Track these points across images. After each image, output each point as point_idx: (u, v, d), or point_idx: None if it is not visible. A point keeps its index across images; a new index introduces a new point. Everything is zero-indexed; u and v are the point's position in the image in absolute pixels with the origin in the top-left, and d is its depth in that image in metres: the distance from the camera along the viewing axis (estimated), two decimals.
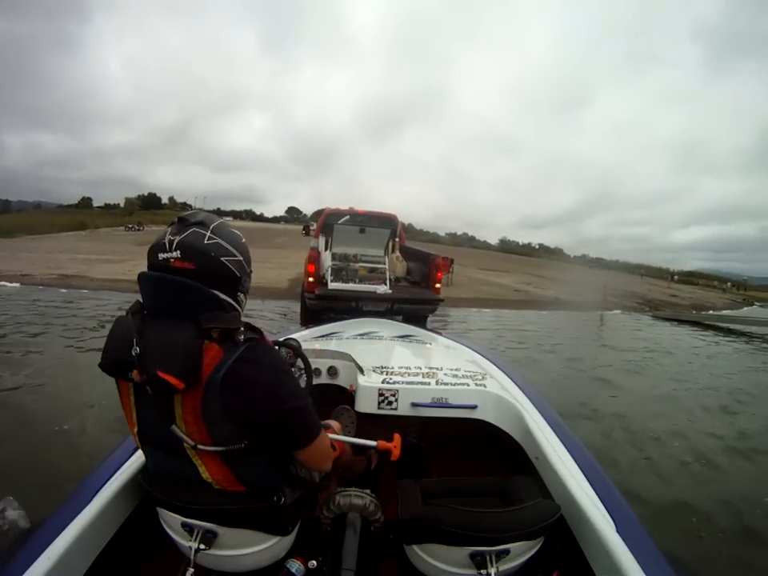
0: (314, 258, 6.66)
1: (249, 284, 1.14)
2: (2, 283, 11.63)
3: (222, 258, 1.02)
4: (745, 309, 29.24)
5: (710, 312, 21.33)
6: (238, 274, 1.07)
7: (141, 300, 1.04)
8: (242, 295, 1.12)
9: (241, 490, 1.09)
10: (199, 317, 0.98)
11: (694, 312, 20.17)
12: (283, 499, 1.15)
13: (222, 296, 1.05)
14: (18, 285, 11.61)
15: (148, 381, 0.94)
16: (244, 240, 1.12)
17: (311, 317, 6.77)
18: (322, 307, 6.49)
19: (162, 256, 0.99)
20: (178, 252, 0.99)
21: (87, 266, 14.75)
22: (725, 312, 22.66)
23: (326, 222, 7.46)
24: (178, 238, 1.00)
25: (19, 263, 14.72)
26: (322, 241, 7.49)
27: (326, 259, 7.00)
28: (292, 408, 1.05)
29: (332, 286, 6.57)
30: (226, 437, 1.01)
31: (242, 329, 1.03)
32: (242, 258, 1.08)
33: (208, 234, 1.02)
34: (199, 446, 1.00)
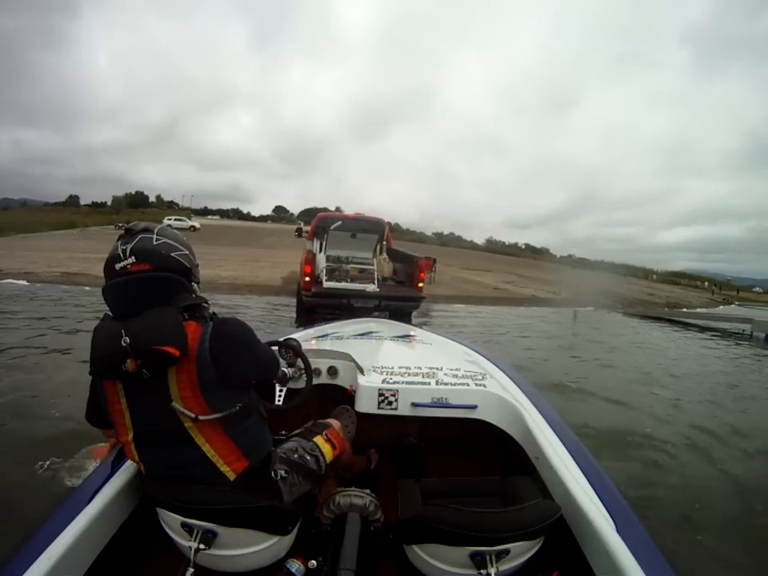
0: (310, 259, 7.46)
1: (199, 275, 1.24)
2: (9, 281, 11.77)
3: (172, 254, 1.12)
4: (721, 307, 29.98)
5: (684, 310, 22.40)
6: (188, 265, 1.16)
7: (109, 313, 1.11)
8: (195, 285, 1.21)
9: (245, 465, 1.13)
10: (170, 301, 1.08)
11: (666, 309, 21.29)
12: (280, 474, 1.21)
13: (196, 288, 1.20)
14: (25, 282, 11.77)
15: (143, 362, 1.00)
16: (185, 238, 1.22)
17: (306, 312, 7.72)
18: (317, 304, 7.41)
19: (118, 265, 1.07)
20: (133, 257, 1.07)
21: (88, 264, 14.59)
22: (699, 310, 23.66)
23: (319, 225, 8.30)
24: (129, 246, 1.07)
25: (19, 261, 14.79)
26: (316, 243, 8.20)
27: (321, 261, 7.83)
28: (266, 357, 1.30)
29: (326, 284, 7.41)
30: (222, 402, 1.07)
31: (207, 304, 1.16)
32: (188, 252, 1.17)
33: (155, 236, 1.11)
34: (200, 417, 1.04)
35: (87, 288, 11.03)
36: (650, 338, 11.83)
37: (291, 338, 1.80)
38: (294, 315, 9.02)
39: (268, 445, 1.24)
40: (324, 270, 7.66)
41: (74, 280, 12.42)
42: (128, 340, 0.99)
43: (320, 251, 8.05)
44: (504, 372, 2.21)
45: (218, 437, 1.10)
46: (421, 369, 1.92)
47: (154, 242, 1.10)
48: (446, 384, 1.79)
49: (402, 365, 1.95)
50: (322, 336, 2.85)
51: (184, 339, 1.03)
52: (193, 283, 1.19)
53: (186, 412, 1.04)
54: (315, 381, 1.85)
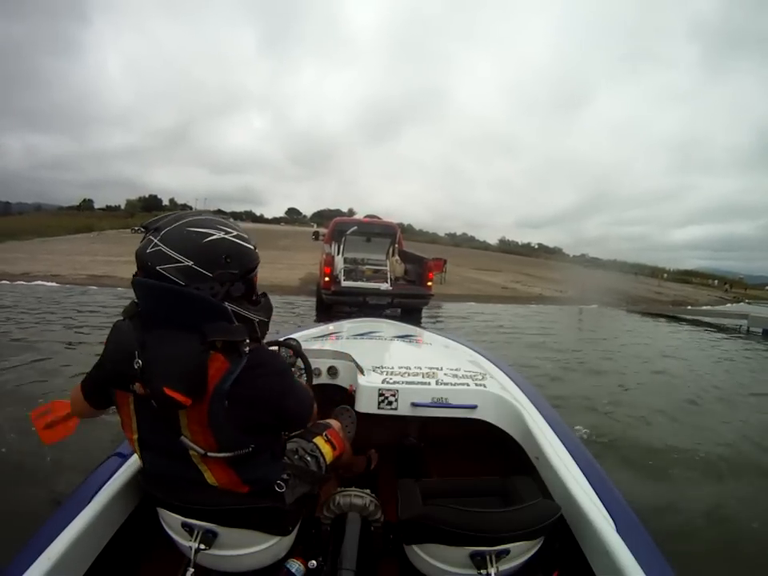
0: (330, 261, 8.32)
1: (225, 289, 1.00)
2: (39, 282, 12.33)
3: (157, 268, 0.94)
4: (728, 305, 29.95)
5: (688, 307, 22.44)
6: (181, 281, 0.94)
7: (136, 300, 1.01)
8: (231, 305, 1.00)
9: (244, 491, 1.10)
10: (202, 327, 0.94)
11: (671, 307, 21.46)
12: (284, 488, 1.16)
13: (231, 306, 1.00)
14: (54, 284, 12.27)
15: (153, 396, 0.91)
16: (211, 240, 0.97)
17: (325, 309, 8.66)
18: (336, 301, 8.36)
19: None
20: (137, 262, 0.98)
21: (111, 267, 15.23)
22: (705, 307, 23.49)
23: (336, 229, 9.04)
24: (138, 248, 0.98)
25: (43, 264, 15.29)
26: (334, 246, 9.09)
27: (339, 262, 8.72)
28: (295, 413, 1.16)
29: (344, 284, 8.33)
30: (233, 443, 1.01)
31: (247, 340, 0.99)
32: (191, 263, 0.95)
33: (155, 241, 0.95)
34: (209, 455, 1.00)
35: (120, 289, 11.44)
36: (637, 329, 12.68)
37: (291, 338, 1.79)
38: (314, 313, 9.75)
39: (273, 479, 1.16)
40: (342, 270, 8.52)
41: (100, 282, 12.88)
42: (140, 363, 0.91)
43: (338, 253, 8.90)
44: (504, 372, 2.21)
45: (222, 470, 1.06)
46: (421, 369, 1.92)
47: (147, 250, 0.96)
48: (446, 384, 1.79)
49: (402, 365, 1.95)
50: (323, 336, 2.88)
51: (199, 384, 0.93)
52: (226, 303, 1.00)
53: (195, 447, 1.00)
54: (315, 381, 1.84)
